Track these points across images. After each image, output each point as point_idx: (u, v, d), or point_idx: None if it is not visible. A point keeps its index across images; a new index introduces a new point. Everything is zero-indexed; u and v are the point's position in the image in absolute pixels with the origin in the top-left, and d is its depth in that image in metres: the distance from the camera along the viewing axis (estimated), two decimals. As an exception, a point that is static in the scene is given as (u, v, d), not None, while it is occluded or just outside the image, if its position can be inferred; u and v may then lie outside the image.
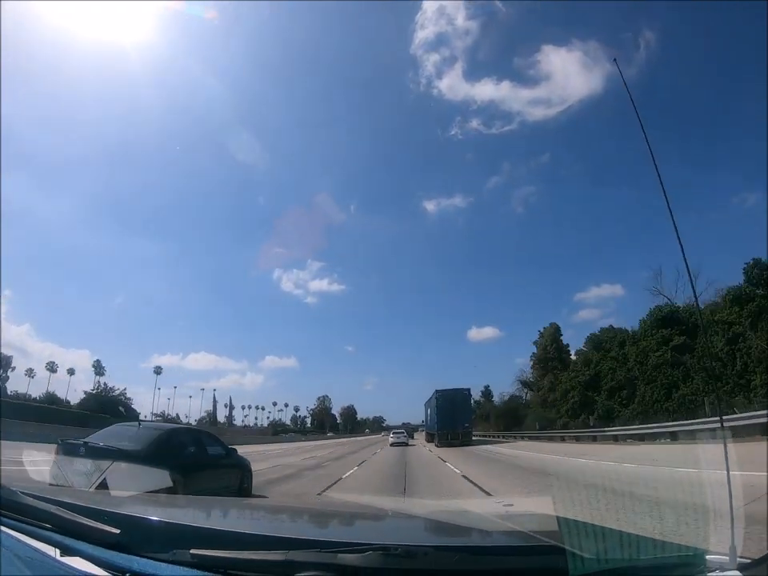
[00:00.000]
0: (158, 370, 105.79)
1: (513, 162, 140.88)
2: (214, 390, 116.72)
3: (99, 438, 7.72)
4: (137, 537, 1.52)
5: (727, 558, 1.40)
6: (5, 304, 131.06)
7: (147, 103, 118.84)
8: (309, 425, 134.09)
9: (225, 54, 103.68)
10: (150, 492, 3.47)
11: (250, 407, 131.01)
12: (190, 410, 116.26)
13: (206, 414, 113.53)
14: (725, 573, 1.34)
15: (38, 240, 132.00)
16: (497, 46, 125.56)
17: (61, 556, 1.45)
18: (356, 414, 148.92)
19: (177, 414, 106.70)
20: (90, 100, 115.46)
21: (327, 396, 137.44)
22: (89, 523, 1.58)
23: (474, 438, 38.04)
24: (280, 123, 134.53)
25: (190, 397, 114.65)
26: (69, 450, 7.21)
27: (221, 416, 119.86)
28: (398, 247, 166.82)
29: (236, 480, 9.49)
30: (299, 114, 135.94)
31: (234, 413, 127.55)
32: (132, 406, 71.88)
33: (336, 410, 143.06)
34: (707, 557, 1.41)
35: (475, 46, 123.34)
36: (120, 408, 58.20)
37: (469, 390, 40.79)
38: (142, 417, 78.25)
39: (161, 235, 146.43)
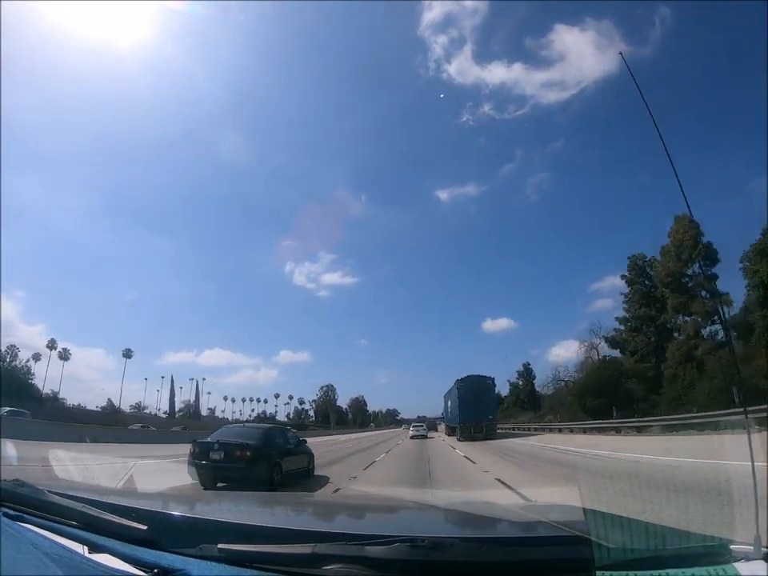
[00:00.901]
0: (127, 353, 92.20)
1: (526, 147, 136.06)
2: (172, 376, 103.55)
3: (219, 436, 10.63)
4: (164, 533, 1.54)
5: (752, 547, 1.39)
6: (18, 305, 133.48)
7: (155, 101, 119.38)
8: (312, 418, 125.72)
9: (226, 50, 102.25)
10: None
11: (251, 400, 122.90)
12: (181, 400, 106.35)
13: (183, 404, 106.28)
14: (750, 562, 1.33)
15: (48, 240, 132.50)
16: (507, 25, 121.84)
17: (89, 553, 1.47)
18: (366, 405, 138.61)
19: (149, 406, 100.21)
20: (97, 98, 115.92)
21: (332, 386, 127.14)
22: (116, 520, 1.60)
23: (498, 431, 35.50)
24: (287, 116, 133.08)
25: (181, 388, 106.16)
26: (204, 447, 9.98)
27: (216, 408, 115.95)
28: (410, 238, 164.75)
29: (306, 462, 12.57)
30: (306, 106, 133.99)
31: (234, 406, 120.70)
32: (32, 382, 64.74)
33: (345, 403, 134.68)
34: (732, 546, 1.40)
35: (484, 25, 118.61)
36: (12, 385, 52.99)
37: (493, 378, 37.36)
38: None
39: (171, 233, 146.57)
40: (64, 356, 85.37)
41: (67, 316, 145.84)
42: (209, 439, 10.38)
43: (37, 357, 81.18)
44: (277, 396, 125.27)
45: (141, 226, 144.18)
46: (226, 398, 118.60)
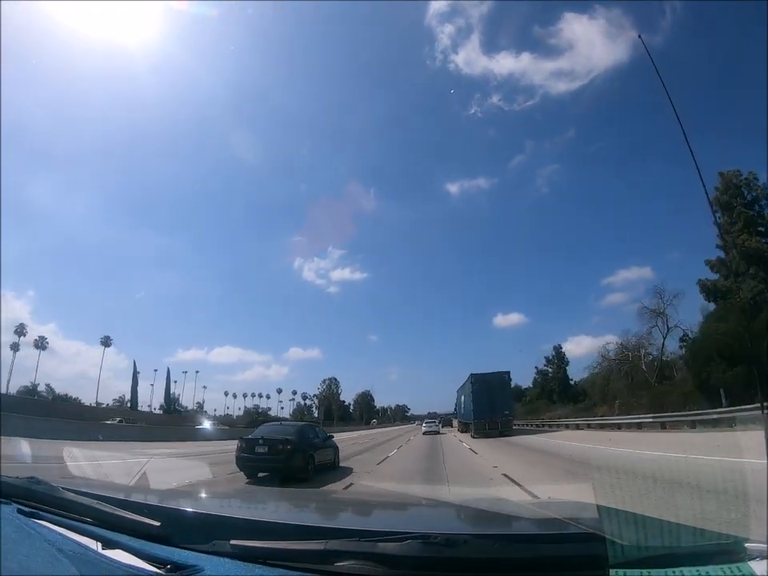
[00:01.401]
0: (106, 341, 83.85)
1: (536, 139, 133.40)
2: (135, 363, 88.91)
3: (261, 432, 12.10)
4: (177, 529, 1.55)
5: (766, 545, 1.37)
6: (29, 304, 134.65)
7: (159, 101, 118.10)
8: (315, 414, 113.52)
9: (231, 48, 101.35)
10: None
11: (253, 395, 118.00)
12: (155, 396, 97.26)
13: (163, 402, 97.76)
14: (764, 560, 1.30)
15: (59, 240, 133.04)
16: (514, 13, 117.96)
17: (102, 549, 1.48)
18: (373, 401, 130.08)
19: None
20: (103, 100, 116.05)
21: (335, 379, 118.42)
22: (130, 516, 1.63)
23: (515, 428, 33.56)
24: (293, 112, 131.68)
25: (175, 382, 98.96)
26: (250, 442, 11.34)
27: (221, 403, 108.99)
28: (420, 233, 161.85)
29: (332, 455, 13.90)
30: (311, 102, 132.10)
31: (236, 402, 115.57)
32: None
33: (354, 398, 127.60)
34: (746, 545, 1.38)
35: (491, 13, 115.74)
36: None
37: (508, 372, 35.26)
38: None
39: (180, 231, 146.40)
40: (40, 345, 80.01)
41: (78, 315, 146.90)
42: (252, 436, 11.86)
43: (15, 347, 76.79)
44: (279, 391, 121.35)
45: (149, 225, 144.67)
46: (227, 394, 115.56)
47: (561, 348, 71.34)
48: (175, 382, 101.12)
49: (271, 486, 9.91)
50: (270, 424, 15.18)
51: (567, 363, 68.98)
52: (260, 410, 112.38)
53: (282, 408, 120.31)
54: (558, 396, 64.87)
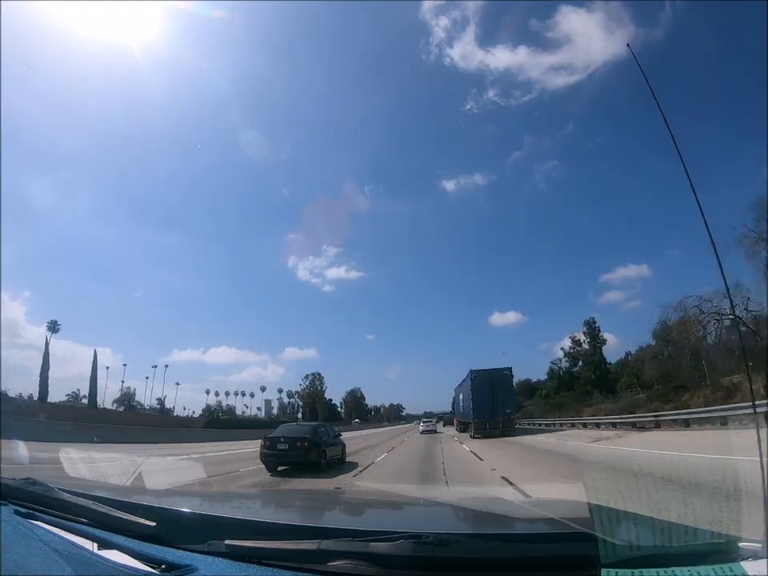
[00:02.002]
0: (52, 326, 72.83)
1: (534, 135, 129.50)
2: (47, 343, 74.81)
3: (282, 432, 13.84)
4: (172, 529, 1.56)
5: (760, 545, 1.36)
6: (25, 305, 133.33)
7: (159, 100, 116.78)
8: (300, 413, 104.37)
9: (231, 45, 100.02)
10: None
11: (236, 393, 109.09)
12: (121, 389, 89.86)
13: (121, 393, 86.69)
14: (758, 560, 1.29)
15: (54, 240, 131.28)
16: (511, 6, 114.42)
17: (98, 549, 1.49)
18: (364, 399, 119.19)
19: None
20: (103, 99, 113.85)
21: (318, 374, 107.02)
22: (125, 517, 1.63)
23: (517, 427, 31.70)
24: (289, 109, 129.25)
25: (158, 382, 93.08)
26: (272, 440, 13.13)
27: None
28: (416, 231, 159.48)
29: (341, 451, 15.69)
30: (308, 99, 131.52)
31: (218, 400, 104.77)
32: None
33: (342, 396, 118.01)
34: (740, 544, 1.37)
35: (487, 6, 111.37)
36: None
37: (510, 368, 33.58)
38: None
39: (174, 231, 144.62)
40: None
41: (74, 315, 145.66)
42: (274, 435, 13.61)
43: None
44: (263, 389, 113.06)
45: (145, 225, 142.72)
46: (208, 392, 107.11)
47: (595, 323, 55.76)
48: (147, 378, 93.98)
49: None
50: (288, 424, 17.59)
51: (604, 342, 55.03)
52: (223, 409, 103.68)
53: (272, 408, 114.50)
54: (593, 384, 51.75)
